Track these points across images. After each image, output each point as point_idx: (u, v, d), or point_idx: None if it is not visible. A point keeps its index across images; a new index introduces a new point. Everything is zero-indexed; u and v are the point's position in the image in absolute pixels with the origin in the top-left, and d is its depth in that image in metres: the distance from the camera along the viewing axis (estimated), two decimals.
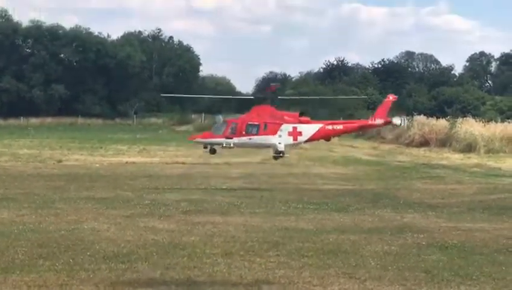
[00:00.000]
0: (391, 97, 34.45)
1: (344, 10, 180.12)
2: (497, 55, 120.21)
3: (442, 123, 50.91)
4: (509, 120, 49.27)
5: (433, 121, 52.91)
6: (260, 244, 13.41)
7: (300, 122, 33.10)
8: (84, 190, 22.53)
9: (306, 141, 35.14)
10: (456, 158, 39.87)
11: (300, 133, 33.20)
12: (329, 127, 34.46)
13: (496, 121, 48.86)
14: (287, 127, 32.56)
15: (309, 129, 33.65)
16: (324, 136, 35.69)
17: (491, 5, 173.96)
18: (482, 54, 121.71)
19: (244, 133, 31.53)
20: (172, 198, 20.65)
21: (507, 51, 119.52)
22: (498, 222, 17.01)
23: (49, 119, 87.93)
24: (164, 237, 14.02)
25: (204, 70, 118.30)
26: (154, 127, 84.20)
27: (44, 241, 13.28)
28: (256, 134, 31.72)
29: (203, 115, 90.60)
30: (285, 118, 32.94)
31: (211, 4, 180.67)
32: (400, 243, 13.86)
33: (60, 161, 33.67)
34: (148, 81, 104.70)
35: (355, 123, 36.38)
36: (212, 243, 13.45)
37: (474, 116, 53.71)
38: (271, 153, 28.63)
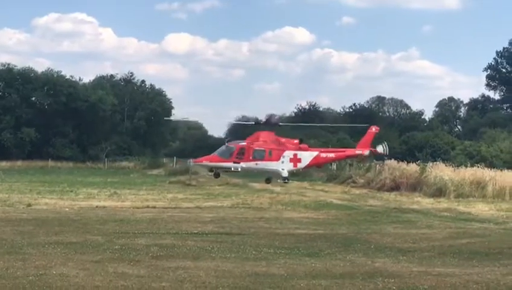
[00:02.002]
0: (374, 129, 36.09)
1: (316, 55, 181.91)
2: (466, 100, 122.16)
3: (413, 168, 51.23)
4: (479, 165, 49.74)
5: (403, 165, 53.23)
6: (230, 289, 13.31)
7: (300, 149, 33.66)
8: (53, 234, 22.24)
9: (304, 168, 35.65)
10: (426, 202, 40.09)
11: (300, 160, 33.73)
12: (324, 154, 35.24)
13: (466, 166, 49.28)
14: (288, 154, 33.03)
15: (308, 156, 34.21)
16: (319, 163, 36.39)
17: (460, 52, 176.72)
18: (451, 99, 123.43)
19: (251, 158, 31.78)
20: (142, 243, 20.47)
21: (476, 96, 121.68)
22: (468, 267, 17.08)
23: (19, 163, 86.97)
24: (134, 282, 13.86)
25: (176, 114, 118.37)
26: (126, 170, 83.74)
27: (11, 287, 13.07)
28: (262, 159, 32.06)
29: (175, 158, 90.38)
30: (287, 144, 33.40)
31: (183, 48, 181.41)
32: (371, 288, 13.84)
33: (29, 205, 33.26)
34: (120, 124, 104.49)
35: (345, 152, 37.29)
36: (183, 288, 13.33)
37: (444, 160, 54.18)
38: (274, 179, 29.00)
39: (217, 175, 32.31)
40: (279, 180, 31.27)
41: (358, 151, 35.62)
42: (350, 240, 22.59)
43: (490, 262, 17.94)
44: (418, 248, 20.71)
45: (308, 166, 35.29)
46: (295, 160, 33.01)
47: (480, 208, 36.14)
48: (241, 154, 30.95)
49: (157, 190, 47.30)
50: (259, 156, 31.75)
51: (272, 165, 32.16)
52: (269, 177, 34.26)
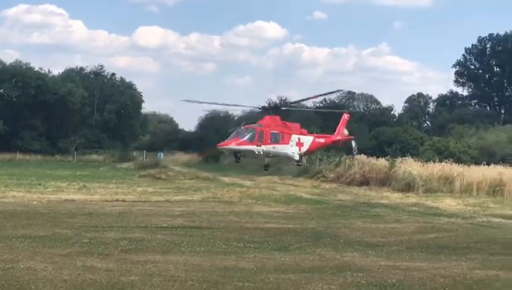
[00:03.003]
0: (346, 116, 37.79)
1: (287, 50, 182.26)
2: (434, 96, 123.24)
3: (382, 163, 51.61)
4: (447, 160, 50.24)
5: (373, 160, 53.62)
6: (200, 283, 13.32)
7: (302, 133, 33.87)
8: (20, 228, 22.04)
9: (305, 153, 35.84)
10: (395, 197, 40.42)
11: (302, 144, 34.07)
12: (317, 140, 35.80)
13: (434, 161, 49.73)
14: (295, 138, 33.15)
15: (308, 141, 34.63)
16: (314, 149, 36.83)
17: (429, 48, 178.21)
18: (420, 95, 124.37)
19: (269, 141, 31.61)
20: (111, 236, 20.37)
21: (444, 92, 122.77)
22: (436, 261, 17.26)
23: None
24: (102, 276, 13.80)
25: (147, 107, 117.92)
26: (95, 164, 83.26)
27: None
28: (278, 143, 32.01)
29: (145, 152, 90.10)
30: (293, 128, 33.57)
31: (154, 41, 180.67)
32: (339, 282, 13.93)
33: None
34: (89, 117, 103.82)
35: (330, 138, 38.04)
36: (152, 282, 13.30)
37: (413, 156, 54.60)
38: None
39: (238, 159, 31.96)
40: (292, 163, 31.56)
41: (338, 137, 36.97)
42: (319, 234, 22.70)
43: (457, 256, 18.15)
44: (386, 242, 20.87)
45: (308, 151, 35.65)
46: (299, 144, 33.37)
47: (448, 203, 36.53)
48: (261, 138, 30.81)
49: (127, 184, 47.10)
50: (275, 139, 31.78)
51: (285, 149, 32.32)
52: (268, 163, 34.31)
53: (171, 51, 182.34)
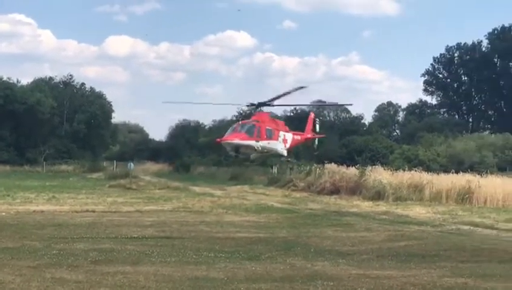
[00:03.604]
0: (312, 115, 39.13)
1: (257, 59, 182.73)
2: (404, 105, 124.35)
3: (353, 171, 51.84)
4: (416, 168, 50.62)
5: (343, 169, 53.84)
6: None
7: (286, 130, 34.11)
8: None
9: (288, 149, 36.22)
10: (365, 206, 40.61)
11: (286, 141, 34.14)
12: (295, 137, 36.33)
13: (404, 170, 50.08)
14: (281, 134, 33.27)
15: (289, 138, 34.82)
16: (293, 146, 37.36)
17: (399, 57, 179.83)
18: (389, 103, 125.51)
19: (265, 137, 31.62)
20: (81, 247, 20.19)
21: (413, 101, 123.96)
22: (406, 269, 17.36)
23: None
24: (72, 288, 13.68)
25: (117, 117, 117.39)
26: (65, 174, 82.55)
27: None
28: (271, 139, 31.98)
29: (115, 162, 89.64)
30: (280, 125, 33.74)
31: (124, 51, 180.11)
32: None
33: None
34: (59, 127, 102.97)
35: (304, 135, 38.84)
36: None
37: (383, 164, 54.93)
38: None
39: (238, 154, 32.15)
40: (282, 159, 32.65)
41: (309, 135, 37.97)
42: (290, 243, 22.72)
43: (427, 264, 18.27)
44: (356, 251, 20.95)
45: (290, 147, 35.98)
46: (284, 141, 33.50)
47: (418, 211, 36.79)
48: (259, 133, 30.89)
49: (96, 194, 46.74)
50: (270, 135, 31.90)
51: (276, 145, 32.47)
52: (254, 159, 34.88)
53: (141, 60, 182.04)
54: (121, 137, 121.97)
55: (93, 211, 33.51)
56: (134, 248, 20.44)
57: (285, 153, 32.88)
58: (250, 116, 33.47)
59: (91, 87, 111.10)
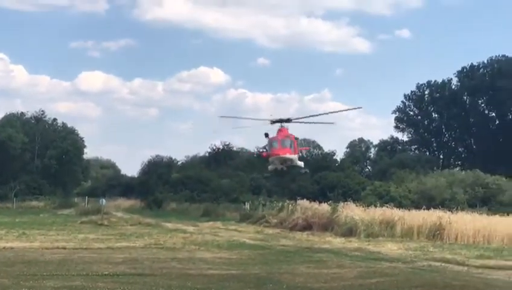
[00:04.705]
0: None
1: (230, 95, 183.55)
2: (375, 141, 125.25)
3: (325, 207, 52.00)
4: (388, 205, 50.93)
5: (315, 205, 54.00)
6: None
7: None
8: None
9: None
10: (337, 242, 40.68)
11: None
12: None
13: (375, 206, 50.37)
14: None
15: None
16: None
17: (370, 94, 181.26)
18: (361, 140, 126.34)
19: (298, 151, 33.90)
20: (51, 285, 19.99)
21: (385, 137, 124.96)
22: None
23: None
24: None
25: (89, 152, 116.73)
26: (35, 210, 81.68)
27: None
28: (298, 153, 33.92)
29: (87, 198, 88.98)
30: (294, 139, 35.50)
31: (97, 87, 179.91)
32: None
33: None
34: (30, 163, 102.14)
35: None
36: None
37: (355, 200, 55.17)
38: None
39: (283, 168, 34.54)
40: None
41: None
42: (262, 280, 22.67)
43: None
44: (329, 288, 20.98)
45: None
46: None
47: (390, 247, 36.94)
48: (295, 147, 33.14)
49: (67, 230, 46.32)
50: (298, 149, 34.10)
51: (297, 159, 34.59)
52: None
53: (114, 95, 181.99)
54: (92, 173, 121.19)
55: (64, 248, 33.19)
56: (105, 285, 20.28)
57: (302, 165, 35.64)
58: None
59: (63, 123, 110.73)
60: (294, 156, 34.50)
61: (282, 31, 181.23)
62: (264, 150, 35.99)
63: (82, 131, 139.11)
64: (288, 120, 36.29)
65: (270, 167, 37.83)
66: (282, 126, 35.70)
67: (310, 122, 42.25)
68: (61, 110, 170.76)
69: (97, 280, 21.49)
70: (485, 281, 23.72)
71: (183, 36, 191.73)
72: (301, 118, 38.88)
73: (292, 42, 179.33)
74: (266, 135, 35.62)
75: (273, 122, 36.61)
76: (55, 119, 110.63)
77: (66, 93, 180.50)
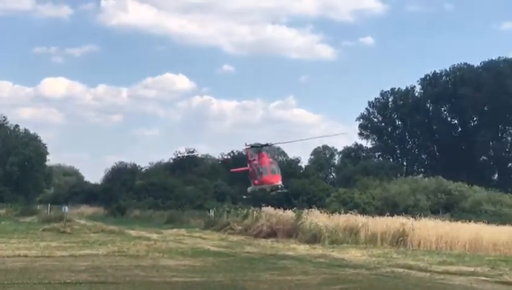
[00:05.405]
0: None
1: (196, 102, 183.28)
2: (340, 148, 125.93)
3: (289, 214, 52.05)
4: (352, 211, 51.19)
5: (280, 212, 54.03)
6: None
7: None
8: None
9: None
10: (302, 249, 40.74)
11: None
12: None
13: (340, 213, 50.60)
14: None
15: None
16: None
17: (334, 101, 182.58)
18: (325, 147, 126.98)
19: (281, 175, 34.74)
20: None
21: (349, 144, 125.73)
22: None
23: None
24: None
25: (52, 159, 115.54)
26: None
27: None
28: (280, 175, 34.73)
29: (49, 205, 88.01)
30: None
31: (60, 93, 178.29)
32: None
33: None
34: None
35: None
36: None
37: (319, 207, 55.35)
38: None
39: (271, 192, 36.03)
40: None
41: None
42: (226, 287, 22.63)
43: None
44: None
45: None
46: None
47: (354, 254, 37.10)
48: (279, 170, 34.13)
49: (29, 238, 45.69)
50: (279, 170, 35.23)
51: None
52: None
53: (78, 102, 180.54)
54: (55, 180, 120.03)
55: (26, 256, 32.73)
56: None
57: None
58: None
59: (25, 129, 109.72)
60: (280, 182, 36.04)
61: (247, 38, 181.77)
62: (247, 166, 37.23)
63: (45, 137, 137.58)
64: (267, 145, 37.33)
65: (250, 189, 38.46)
66: (260, 151, 36.62)
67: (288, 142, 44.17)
68: (23, 116, 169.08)
69: (59, 288, 21.26)
70: (447, 287, 23.97)
71: (148, 42, 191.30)
72: (280, 143, 41.13)
73: (257, 49, 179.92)
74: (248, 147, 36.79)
75: (252, 147, 37.61)
76: (17, 126, 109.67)
77: (28, 99, 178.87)
